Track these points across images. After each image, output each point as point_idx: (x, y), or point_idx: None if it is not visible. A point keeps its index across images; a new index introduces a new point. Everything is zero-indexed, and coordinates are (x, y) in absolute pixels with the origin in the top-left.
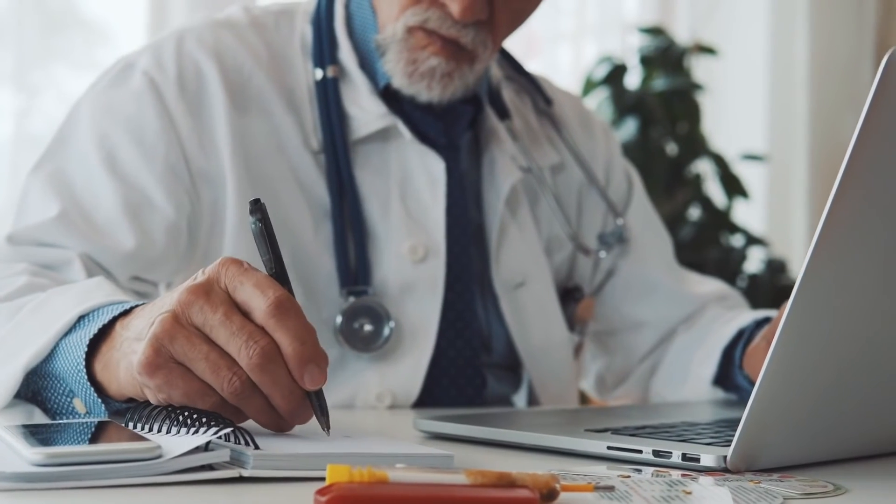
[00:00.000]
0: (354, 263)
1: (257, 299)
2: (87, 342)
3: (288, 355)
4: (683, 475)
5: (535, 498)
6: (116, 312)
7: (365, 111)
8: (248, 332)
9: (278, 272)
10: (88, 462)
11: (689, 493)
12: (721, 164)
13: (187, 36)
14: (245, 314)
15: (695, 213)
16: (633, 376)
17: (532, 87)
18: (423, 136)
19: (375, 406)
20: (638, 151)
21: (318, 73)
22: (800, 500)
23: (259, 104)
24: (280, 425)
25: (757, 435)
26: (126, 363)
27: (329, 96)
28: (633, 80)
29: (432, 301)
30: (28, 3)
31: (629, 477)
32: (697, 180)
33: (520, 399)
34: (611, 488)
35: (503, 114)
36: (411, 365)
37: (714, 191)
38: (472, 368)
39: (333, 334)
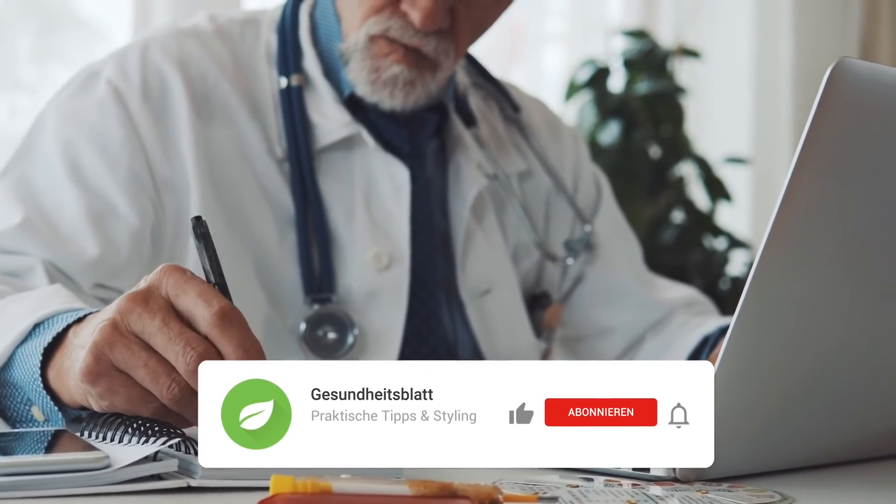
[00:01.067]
0: (319, 271)
1: (201, 309)
2: (42, 351)
3: None
4: (634, 485)
5: None
6: (70, 320)
7: (329, 119)
8: (186, 339)
9: (220, 284)
10: (36, 472)
11: (635, 503)
12: (705, 167)
13: (152, 44)
14: (187, 322)
15: (678, 215)
16: None
17: (499, 93)
18: (387, 145)
19: None
20: (621, 154)
21: (283, 82)
22: None
23: (223, 112)
24: None
25: None
26: (74, 371)
27: (293, 105)
28: (616, 82)
29: (396, 308)
30: (23, 1)
31: (578, 487)
32: (681, 183)
33: None
34: (554, 499)
35: (469, 121)
36: None
37: (697, 194)
38: None
39: (297, 342)
